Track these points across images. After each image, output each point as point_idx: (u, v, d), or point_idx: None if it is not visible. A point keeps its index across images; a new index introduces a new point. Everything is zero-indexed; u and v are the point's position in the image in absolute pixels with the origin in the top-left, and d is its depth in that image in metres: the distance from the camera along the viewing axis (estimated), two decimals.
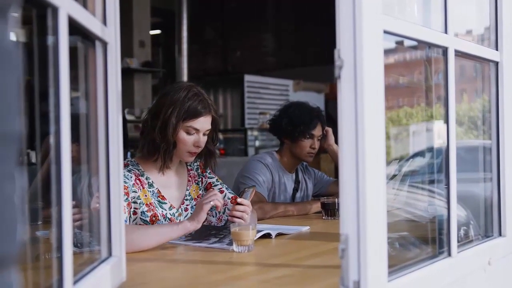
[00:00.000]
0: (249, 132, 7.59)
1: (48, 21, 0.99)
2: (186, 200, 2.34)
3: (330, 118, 6.06)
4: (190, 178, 2.39)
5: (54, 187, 1.00)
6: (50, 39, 1.00)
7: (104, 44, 1.34)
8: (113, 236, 1.37)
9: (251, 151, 7.46)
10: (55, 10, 0.98)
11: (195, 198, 2.37)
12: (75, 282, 1.08)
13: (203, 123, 2.22)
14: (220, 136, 7.90)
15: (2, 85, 0.54)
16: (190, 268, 1.74)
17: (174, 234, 1.98)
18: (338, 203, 2.65)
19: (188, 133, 2.20)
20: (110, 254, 1.37)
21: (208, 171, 2.44)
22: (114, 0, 1.38)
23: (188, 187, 2.37)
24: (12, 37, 0.59)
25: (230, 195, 2.39)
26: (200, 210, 2.00)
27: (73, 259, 1.02)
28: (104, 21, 1.35)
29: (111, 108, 1.36)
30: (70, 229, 1.02)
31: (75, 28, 1.09)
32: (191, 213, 2.30)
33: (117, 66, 1.39)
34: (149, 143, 2.21)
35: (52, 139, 1.00)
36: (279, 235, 2.19)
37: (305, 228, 2.37)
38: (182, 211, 2.30)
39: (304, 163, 3.19)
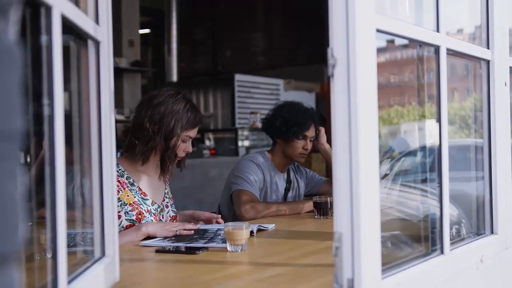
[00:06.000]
0: (239, 132, 7.57)
1: (41, 20, 0.98)
2: (166, 197, 2.44)
3: (321, 117, 6.06)
4: (166, 179, 2.48)
5: (48, 188, 0.99)
6: (43, 38, 0.99)
7: (97, 43, 1.34)
8: (107, 236, 1.37)
9: (242, 151, 7.45)
10: (48, 9, 0.98)
11: (171, 197, 2.48)
12: (69, 282, 1.07)
13: (196, 131, 2.35)
14: (211, 136, 7.90)
15: (4, 83, 0.54)
16: (183, 267, 1.74)
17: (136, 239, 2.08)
18: (330, 202, 2.66)
19: (184, 141, 2.30)
20: (103, 254, 1.36)
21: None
22: None
23: (166, 186, 2.46)
24: (13, 36, 0.59)
25: (172, 214, 2.46)
26: (163, 230, 2.11)
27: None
28: (97, 20, 1.34)
29: (103, 107, 1.36)
30: (64, 230, 1.01)
31: (67, 27, 1.09)
32: (172, 210, 2.43)
33: (110, 65, 1.38)
34: (150, 150, 2.26)
35: (45, 140, 0.99)
36: (259, 231, 2.24)
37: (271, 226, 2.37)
38: (164, 207, 2.40)
39: (296, 162, 3.19)
